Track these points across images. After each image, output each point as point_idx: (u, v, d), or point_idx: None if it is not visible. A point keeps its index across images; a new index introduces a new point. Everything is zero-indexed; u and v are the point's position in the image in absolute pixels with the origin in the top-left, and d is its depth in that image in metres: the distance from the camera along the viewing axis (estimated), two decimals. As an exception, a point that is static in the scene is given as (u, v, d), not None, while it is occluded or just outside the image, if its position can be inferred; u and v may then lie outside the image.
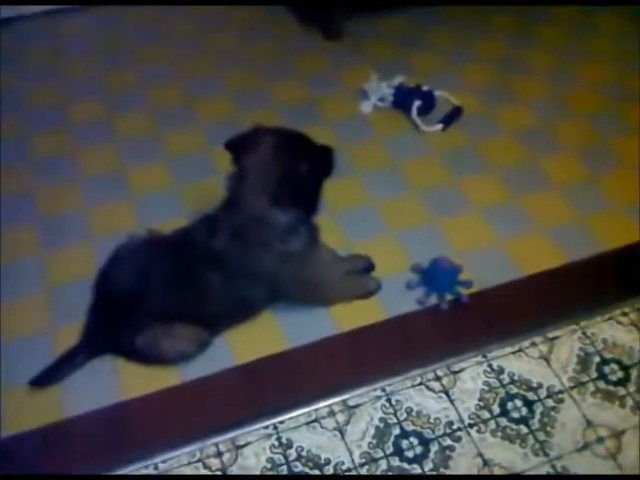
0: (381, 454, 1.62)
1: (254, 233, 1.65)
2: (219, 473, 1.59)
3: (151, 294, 1.70)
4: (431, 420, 1.68)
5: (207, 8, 3.06)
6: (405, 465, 1.60)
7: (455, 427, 1.67)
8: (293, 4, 3.02)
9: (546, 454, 1.62)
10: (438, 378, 1.76)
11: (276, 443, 1.64)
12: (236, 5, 3.05)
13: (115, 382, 1.74)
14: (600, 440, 1.65)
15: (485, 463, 1.61)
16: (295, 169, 1.59)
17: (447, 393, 1.73)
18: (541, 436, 1.66)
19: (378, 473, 1.59)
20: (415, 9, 2.99)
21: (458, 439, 1.65)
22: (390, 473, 1.59)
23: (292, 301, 1.85)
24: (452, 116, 2.48)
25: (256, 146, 1.60)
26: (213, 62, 2.78)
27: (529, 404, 1.71)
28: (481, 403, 1.71)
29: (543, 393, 1.73)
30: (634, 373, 1.78)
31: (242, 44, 2.87)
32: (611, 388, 1.75)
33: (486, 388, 1.74)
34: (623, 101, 2.58)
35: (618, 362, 1.80)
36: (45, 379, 1.72)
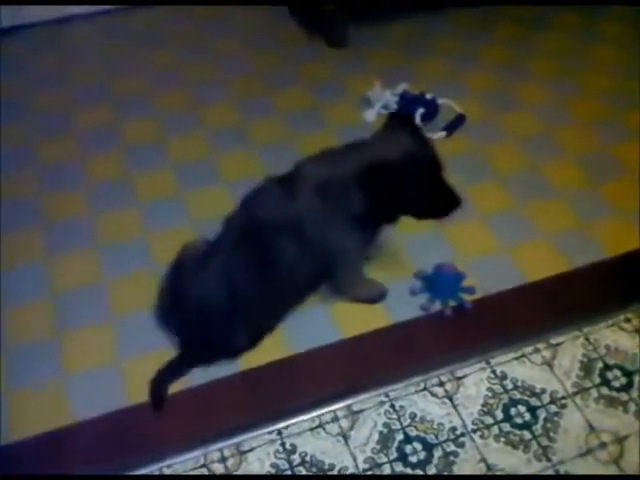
0: (385, 459, 1.63)
1: (336, 197, 1.64)
2: (224, 478, 1.60)
3: (233, 294, 1.69)
4: (434, 425, 1.69)
5: (212, 15, 3.09)
6: (409, 470, 1.61)
7: (459, 432, 1.68)
8: (294, 7, 3.05)
9: (549, 459, 1.63)
10: (442, 384, 1.77)
11: (280, 448, 1.65)
12: (239, 5, 3.09)
13: (120, 387, 1.75)
14: (603, 445, 1.66)
15: (488, 468, 1.62)
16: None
17: (450, 399, 1.74)
18: (544, 441, 1.66)
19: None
20: (418, 17, 3.01)
21: (461, 445, 1.66)
22: (394, 478, 1.60)
23: (332, 283, 1.89)
24: (455, 123, 2.49)
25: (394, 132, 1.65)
26: (218, 68, 2.80)
27: (532, 410, 1.72)
28: (484, 409, 1.72)
29: (546, 399, 1.74)
30: (637, 379, 1.78)
31: (246, 51, 2.89)
32: (614, 394, 1.75)
33: (489, 394, 1.75)
34: (624, 107, 2.59)
35: (621, 368, 1.81)
36: (157, 397, 1.72)
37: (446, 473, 1.61)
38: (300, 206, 1.64)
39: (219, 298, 1.68)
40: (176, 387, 1.74)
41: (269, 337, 1.83)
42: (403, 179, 1.59)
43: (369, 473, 1.60)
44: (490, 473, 1.60)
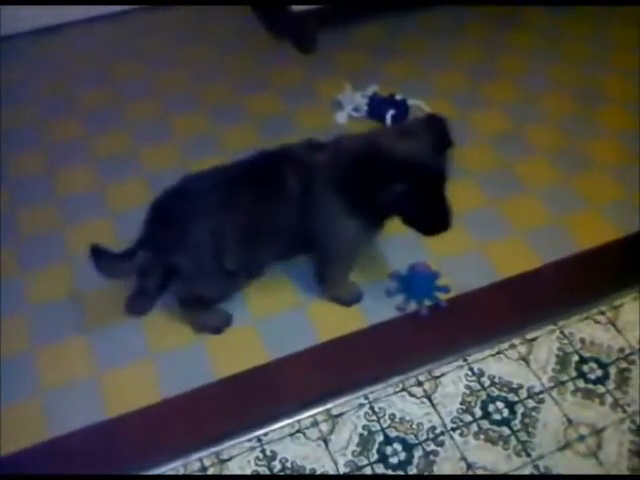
0: (365, 462, 1.63)
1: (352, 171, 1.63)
2: (204, 488, 1.59)
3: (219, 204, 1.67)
4: (414, 426, 1.69)
5: (180, 24, 3.08)
6: (390, 472, 1.61)
7: (438, 431, 1.68)
8: (261, 12, 3.05)
9: (528, 454, 1.64)
10: (420, 383, 1.77)
11: (260, 455, 1.64)
12: (207, 7, 3.09)
13: (98, 401, 1.74)
14: (581, 438, 1.67)
15: (469, 466, 1.62)
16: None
17: (429, 398, 1.74)
18: (523, 437, 1.67)
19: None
20: (385, 19, 3.02)
21: (441, 443, 1.66)
22: (375, 480, 1.60)
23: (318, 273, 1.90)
24: (426, 123, 2.50)
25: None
26: (187, 77, 2.78)
27: (510, 405, 1.73)
28: (463, 407, 1.73)
29: (524, 394, 1.75)
30: (612, 371, 1.80)
31: (215, 58, 2.88)
32: (590, 386, 1.77)
33: (467, 391, 1.75)
34: (593, 103, 2.62)
35: (596, 360, 1.82)
36: (102, 262, 1.66)
37: (427, 473, 1.61)
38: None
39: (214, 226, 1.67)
40: (153, 398, 1.73)
41: (243, 345, 1.83)
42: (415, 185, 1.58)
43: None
44: (471, 471, 1.61)
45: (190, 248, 1.66)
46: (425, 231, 1.68)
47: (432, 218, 1.64)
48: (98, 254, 1.65)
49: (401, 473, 1.61)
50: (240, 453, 1.64)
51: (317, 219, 1.70)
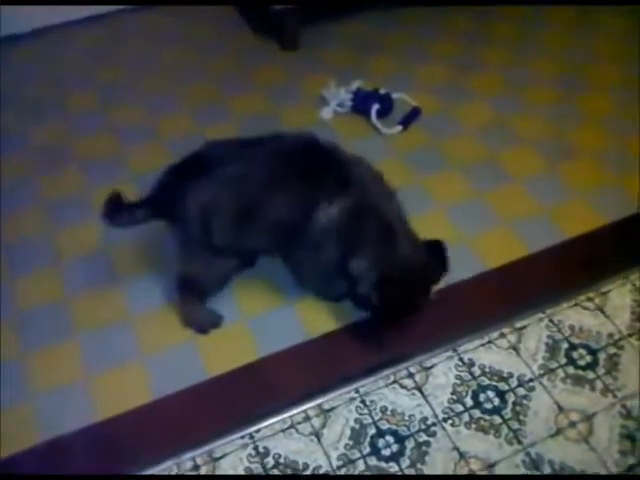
0: (358, 455, 1.63)
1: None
2: (197, 486, 1.59)
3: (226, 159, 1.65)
4: (406, 417, 1.70)
5: (161, 25, 3.08)
6: (382, 464, 1.62)
7: (430, 422, 1.69)
8: (244, 10, 3.05)
9: (520, 442, 1.64)
10: (411, 375, 1.78)
11: (253, 452, 1.64)
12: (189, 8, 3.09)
13: (88, 403, 1.73)
14: (572, 424, 1.68)
15: (461, 456, 1.63)
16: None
17: (420, 389, 1.75)
18: (514, 425, 1.68)
19: (356, 474, 1.60)
20: (367, 15, 3.03)
21: (433, 434, 1.67)
22: (368, 473, 1.60)
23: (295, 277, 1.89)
24: (411, 117, 2.51)
25: None
26: (170, 78, 2.78)
27: (501, 394, 1.73)
28: (454, 397, 1.73)
29: (514, 382, 1.76)
30: (602, 356, 1.81)
31: (199, 59, 2.88)
32: (580, 373, 1.78)
33: (458, 382, 1.76)
34: (576, 92, 2.63)
35: (586, 347, 1.83)
36: (110, 210, 1.72)
37: (419, 464, 1.61)
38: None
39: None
40: (145, 399, 1.73)
41: (233, 343, 1.84)
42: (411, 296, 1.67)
43: (343, 470, 1.61)
44: (463, 461, 1.62)
45: (181, 218, 1.66)
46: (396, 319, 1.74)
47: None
48: (107, 203, 1.72)
49: (394, 465, 1.61)
50: (232, 451, 1.64)
51: (323, 234, 1.66)
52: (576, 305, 1.92)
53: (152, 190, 1.72)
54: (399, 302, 1.66)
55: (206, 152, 1.70)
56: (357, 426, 1.68)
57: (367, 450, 1.64)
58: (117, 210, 1.73)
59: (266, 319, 1.89)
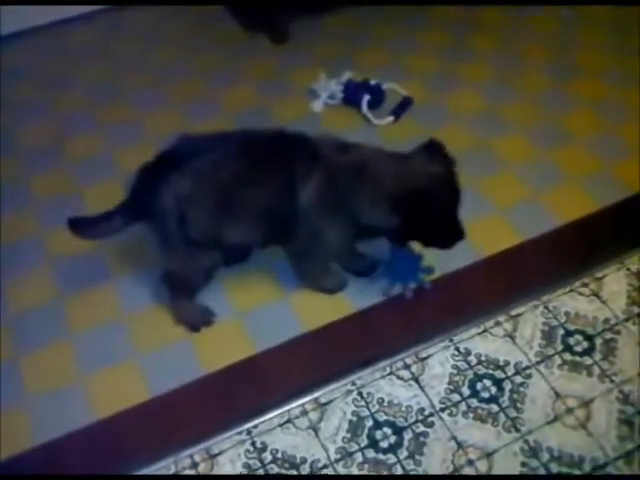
0: (356, 447, 1.63)
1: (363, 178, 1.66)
2: (196, 483, 1.59)
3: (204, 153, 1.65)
4: (403, 409, 1.69)
5: (151, 22, 3.06)
6: (380, 456, 1.61)
7: (427, 413, 1.68)
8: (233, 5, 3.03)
9: (518, 430, 1.64)
10: (407, 366, 1.77)
11: (251, 448, 1.64)
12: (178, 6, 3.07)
13: (84, 403, 1.73)
14: (570, 411, 1.67)
15: (459, 445, 1.62)
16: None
17: (417, 380, 1.74)
18: (512, 413, 1.67)
19: (354, 466, 1.59)
20: (356, 7, 3.00)
21: (431, 424, 1.66)
22: (366, 465, 1.60)
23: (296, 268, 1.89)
24: (402, 107, 2.50)
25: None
26: (159, 75, 2.77)
27: (498, 383, 1.73)
28: (451, 386, 1.73)
29: (511, 370, 1.75)
30: (598, 342, 1.81)
31: (189, 56, 2.86)
32: (577, 359, 1.77)
33: (454, 371, 1.76)
34: (564, 78, 2.63)
35: (582, 333, 1.83)
36: (81, 226, 1.73)
37: (417, 455, 1.61)
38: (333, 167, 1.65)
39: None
40: (140, 398, 1.72)
41: (229, 338, 1.83)
42: (437, 210, 1.65)
43: (341, 463, 1.60)
44: (461, 450, 1.61)
45: (157, 213, 1.65)
46: (445, 245, 1.74)
47: (449, 231, 1.71)
48: (75, 221, 1.72)
49: (392, 456, 1.61)
50: (230, 447, 1.64)
51: (313, 215, 1.66)
52: (571, 291, 1.92)
53: (128, 193, 1.71)
54: (436, 207, 1.65)
55: (178, 147, 1.69)
56: (354, 419, 1.68)
57: (365, 442, 1.64)
58: (90, 223, 1.73)
59: (261, 313, 1.88)
